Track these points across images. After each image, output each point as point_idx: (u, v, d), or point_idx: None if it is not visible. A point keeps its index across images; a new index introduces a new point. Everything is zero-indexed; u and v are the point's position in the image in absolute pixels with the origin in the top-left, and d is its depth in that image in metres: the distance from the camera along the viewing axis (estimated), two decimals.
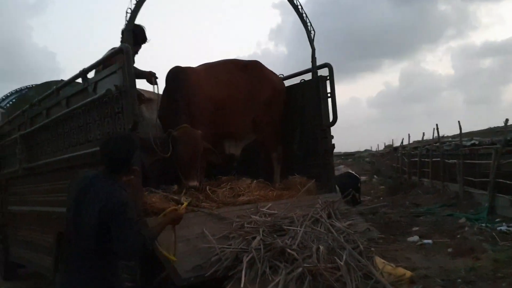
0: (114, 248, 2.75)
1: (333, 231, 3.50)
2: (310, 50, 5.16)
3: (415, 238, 8.99)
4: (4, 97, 8.41)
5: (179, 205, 3.54)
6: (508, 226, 9.37)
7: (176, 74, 4.63)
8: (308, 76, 5.34)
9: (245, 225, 3.68)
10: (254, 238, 3.45)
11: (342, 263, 3.07)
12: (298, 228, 3.49)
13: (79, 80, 4.64)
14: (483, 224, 9.48)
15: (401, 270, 3.68)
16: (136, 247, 2.73)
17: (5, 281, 7.74)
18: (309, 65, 5.26)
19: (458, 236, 9.01)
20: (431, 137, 16.73)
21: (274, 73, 5.40)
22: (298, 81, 5.45)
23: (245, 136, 5.25)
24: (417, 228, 9.98)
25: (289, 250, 3.21)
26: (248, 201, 4.24)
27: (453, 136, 16.19)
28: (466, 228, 9.47)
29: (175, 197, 4.07)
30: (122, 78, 3.78)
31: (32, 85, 8.28)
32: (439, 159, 14.67)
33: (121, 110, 3.86)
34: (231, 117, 4.98)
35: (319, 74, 5.16)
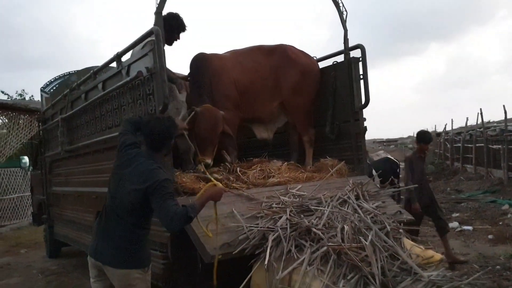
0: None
1: (360, 211, 3.48)
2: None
3: (455, 224, 8.81)
4: (48, 83, 8.70)
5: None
6: None
7: (199, 61, 4.71)
8: (341, 58, 5.27)
9: (273, 205, 3.71)
10: (281, 217, 3.48)
11: (367, 243, 3.05)
12: (325, 209, 3.50)
13: (114, 63, 4.79)
14: None
15: (430, 252, 3.62)
16: (179, 217, 2.83)
17: (50, 259, 8.14)
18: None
19: (500, 223, 8.76)
20: (475, 123, 16.21)
21: (304, 55, 5.32)
22: (331, 63, 5.38)
23: (274, 120, 5.28)
24: (457, 214, 9.77)
25: (314, 230, 3.22)
26: (278, 183, 4.26)
27: (499, 122, 15.59)
28: (509, 215, 9.20)
29: (206, 176, 4.15)
30: (152, 61, 3.86)
31: (74, 71, 8.54)
32: (482, 144, 14.21)
33: (152, 92, 3.96)
34: (256, 102, 5.02)
35: (351, 56, 5.08)
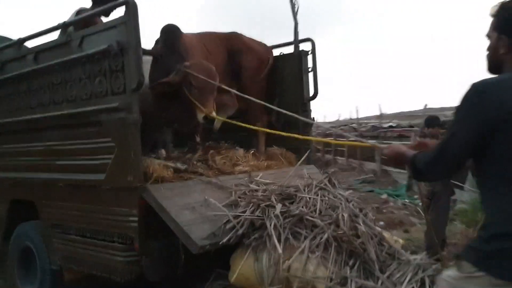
0: None
1: (344, 200, 3.60)
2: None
3: None
4: None
5: None
6: None
7: (173, 32, 4.40)
8: (286, 49, 5.36)
9: (259, 193, 3.64)
10: (267, 205, 3.45)
11: (364, 230, 3.19)
12: (313, 196, 3.55)
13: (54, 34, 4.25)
14: (406, 200, 10.30)
15: (394, 238, 3.90)
16: None
17: None
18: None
19: (384, 210, 9.69)
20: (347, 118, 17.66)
21: (258, 42, 5.29)
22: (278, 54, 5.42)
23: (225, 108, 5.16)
24: None
25: (309, 218, 3.26)
26: (245, 171, 4.20)
27: (367, 118, 17.23)
28: (391, 204, 10.22)
29: (171, 165, 3.92)
30: (126, 34, 3.50)
31: None
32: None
33: (121, 68, 3.60)
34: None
35: (301, 49, 5.18)
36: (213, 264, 3.85)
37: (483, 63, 2.00)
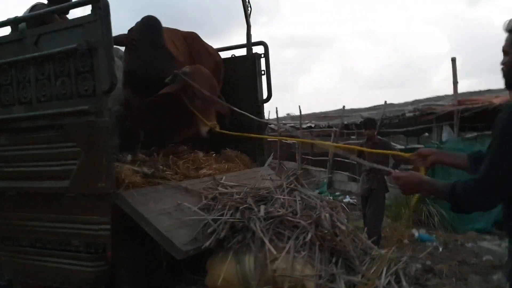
0: None
1: (318, 199, 3.73)
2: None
3: None
4: None
5: None
6: (351, 198, 10.90)
7: (156, 24, 4.24)
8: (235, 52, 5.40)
9: (235, 196, 3.65)
10: (246, 208, 3.47)
11: (344, 228, 3.34)
12: (288, 197, 3.63)
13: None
14: (330, 197, 10.81)
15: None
16: None
17: None
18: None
19: None
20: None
21: (210, 45, 5.27)
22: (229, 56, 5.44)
23: None
24: None
25: (290, 218, 3.34)
26: (209, 174, 4.17)
27: (283, 118, 17.71)
28: None
29: (139, 169, 3.80)
30: (96, 33, 3.33)
31: None
32: (276, 139, 15.93)
33: (89, 69, 3.42)
34: None
35: (254, 52, 5.24)
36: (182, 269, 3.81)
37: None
